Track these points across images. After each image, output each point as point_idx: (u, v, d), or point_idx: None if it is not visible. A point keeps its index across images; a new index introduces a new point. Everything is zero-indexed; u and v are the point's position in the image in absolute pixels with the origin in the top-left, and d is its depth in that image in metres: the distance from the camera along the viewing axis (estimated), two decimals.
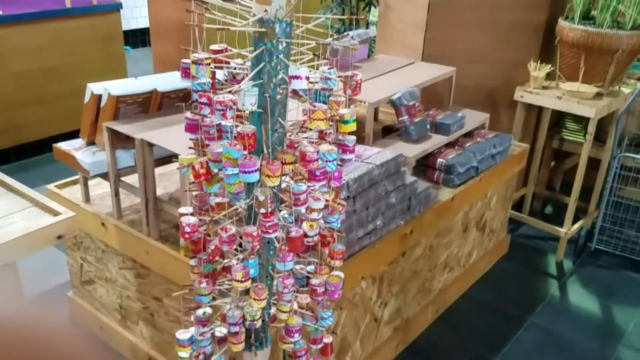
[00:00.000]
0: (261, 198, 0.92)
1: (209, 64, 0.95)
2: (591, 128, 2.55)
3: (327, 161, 0.97)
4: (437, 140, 2.31)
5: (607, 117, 2.71)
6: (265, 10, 0.90)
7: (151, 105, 1.88)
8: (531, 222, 2.96)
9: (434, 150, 2.29)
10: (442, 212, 2.18)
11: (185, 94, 1.91)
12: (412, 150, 2.18)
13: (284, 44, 0.93)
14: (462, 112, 2.49)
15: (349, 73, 1.00)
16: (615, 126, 2.67)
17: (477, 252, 2.62)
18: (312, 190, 0.98)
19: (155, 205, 1.83)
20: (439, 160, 2.28)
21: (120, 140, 1.82)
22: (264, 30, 0.91)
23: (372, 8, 3.43)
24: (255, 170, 0.90)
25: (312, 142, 1.02)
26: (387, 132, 2.44)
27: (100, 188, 2.12)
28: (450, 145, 2.39)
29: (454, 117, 2.40)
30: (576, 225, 2.85)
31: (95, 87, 1.78)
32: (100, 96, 1.77)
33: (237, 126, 0.93)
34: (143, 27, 6.06)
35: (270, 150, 0.95)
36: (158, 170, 1.86)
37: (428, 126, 2.33)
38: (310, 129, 0.99)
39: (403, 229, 1.97)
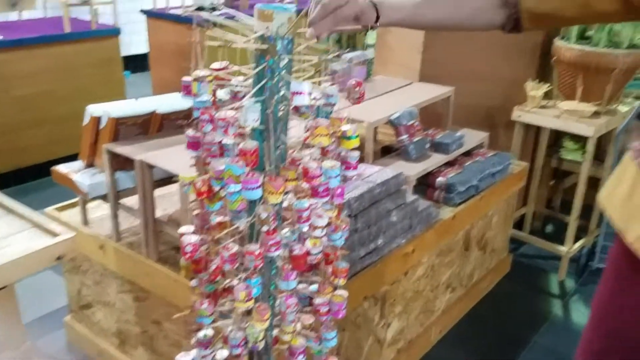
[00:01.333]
0: (263, 215, 0.91)
1: (210, 81, 0.95)
2: (590, 147, 2.55)
3: (330, 177, 0.96)
4: (436, 159, 2.31)
5: (606, 136, 2.72)
6: (267, 27, 0.90)
7: (151, 126, 1.88)
8: (532, 241, 2.95)
9: (433, 169, 2.29)
10: (444, 231, 2.17)
11: (186, 115, 1.91)
12: (413, 169, 2.18)
13: (286, 61, 0.93)
14: (461, 131, 2.50)
15: (352, 81, 1.00)
16: (614, 145, 2.68)
17: (479, 271, 2.60)
18: (315, 207, 0.98)
19: (154, 226, 1.82)
20: (439, 179, 2.28)
21: (119, 162, 1.81)
22: (265, 47, 0.91)
23: (370, 30, 3.46)
24: (258, 187, 0.89)
25: (315, 159, 1.01)
26: (387, 152, 2.44)
27: (99, 210, 2.11)
28: (450, 164, 2.39)
29: (453, 136, 2.40)
30: (578, 244, 2.83)
31: (95, 109, 1.78)
32: (99, 118, 1.77)
33: (238, 143, 0.92)
34: (142, 53, 6.10)
35: (272, 167, 0.94)
36: (157, 192, 1.85)
37: (427, 145, 2.33)
38: (313, 145, 0.98)
39: (405, 248, 1.96)
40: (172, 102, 1.91)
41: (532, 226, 3.10)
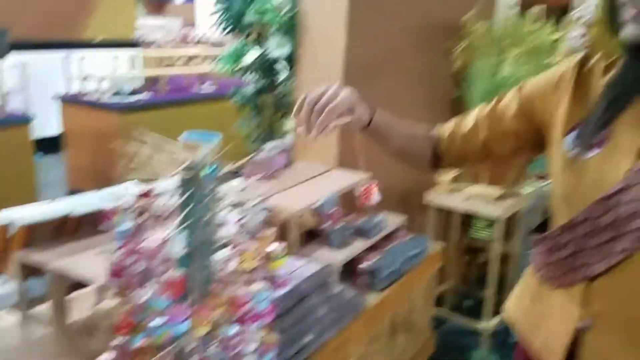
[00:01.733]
0: (190, 348, 0.88)
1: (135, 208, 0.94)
2: (498, 228, 2.71)
3: (259, 301, 0.96)
4: (359, 245, 2.36)
5: (512, 215, 2.91)
6: (193, 157, 0.91)
7: (66, 229, 1.80)
8: (453, 318, 3.02)
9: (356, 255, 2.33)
10: (371, 319, 2.19)
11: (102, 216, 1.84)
12: (337, 257, 2.20)
13: (211, 187, 0.94)
14: (380, 215, 2.58)
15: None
16: (520, 225, 2.86)
17: (406, 354, 2.62)
18: (243, 332, 0.96)
19: (68, 336, 1.70)
20: (362, 264, 2.31)
21: (31, 269, 1.71)
22: (191, 175, 0.92)
23: (289, 117, 3.56)
24: (185, 320, 0.87)
25: (242, 278, 1.01)
26: (310, 235, 2.46)
27: (7, 317, 1.95)
28: (372, 248, 2.44)
29: (374, 221, 2.47)
30: (496, 319, 2.94)
31: (3, 217, 1.68)
32: (8, 226, 1.67)
33: (163, 272, 0.90)
34: (54, 135, 5.89)
35: (198, 295, 0.93)
36: (72, 294, 1.75)
37: (349, 231, 2.38)
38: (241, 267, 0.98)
39: (334, 341, 1.94)
40: (88, 202, 1.84)
41: (451, 303, 3.20)
